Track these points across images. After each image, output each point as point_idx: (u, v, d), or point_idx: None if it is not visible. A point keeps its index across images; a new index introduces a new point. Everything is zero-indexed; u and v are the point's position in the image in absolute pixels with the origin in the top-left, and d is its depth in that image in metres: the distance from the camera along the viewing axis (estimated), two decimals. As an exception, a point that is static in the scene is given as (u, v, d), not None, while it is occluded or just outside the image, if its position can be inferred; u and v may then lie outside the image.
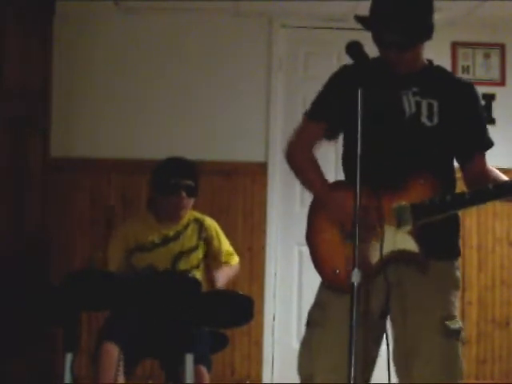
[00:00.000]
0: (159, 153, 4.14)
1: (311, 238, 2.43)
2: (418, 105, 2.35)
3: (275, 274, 4.67)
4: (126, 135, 4.64)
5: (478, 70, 4.83)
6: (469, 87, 2.47)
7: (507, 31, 4.79)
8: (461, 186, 2.45)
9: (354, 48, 2.18)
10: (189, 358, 2.45)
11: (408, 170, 2.28)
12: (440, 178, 2.31)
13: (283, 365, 4.58)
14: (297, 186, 4.63)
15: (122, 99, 4.65)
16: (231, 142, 4.67)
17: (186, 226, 3.50)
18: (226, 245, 3.60)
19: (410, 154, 2.31)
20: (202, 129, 4.67)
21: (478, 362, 4.62)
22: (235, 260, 3.64)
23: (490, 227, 4.71)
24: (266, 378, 4.61)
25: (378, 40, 2.34)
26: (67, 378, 2.41)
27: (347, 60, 2.25)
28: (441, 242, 2.32)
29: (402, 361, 2.32)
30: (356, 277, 2.05)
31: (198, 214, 3.56)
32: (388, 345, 2.28)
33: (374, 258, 2.25)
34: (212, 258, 3.56)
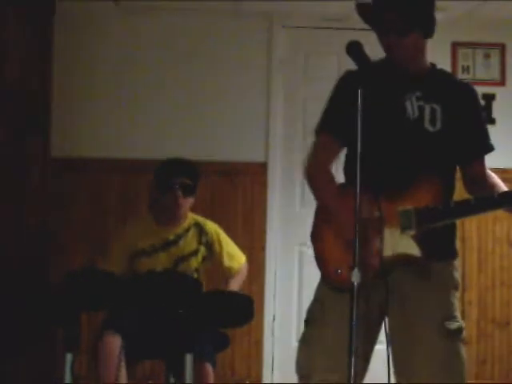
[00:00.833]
0: (159, 153, 4.15)
1: (316, 237, 2.43)
2: (421, 110, 2.35)
3: (275, 274, 4.67)
4: (126, 135, 4.64)
5: (478, 69, 4.83)
6: (470, 91, 2.47)
7: (507, 31, 4.80)
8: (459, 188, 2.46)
9: (354, 48, 2.17)
10: (189, 358, 2.45)
11: (412, 175, 2.28)
12: (444, 182, 2.32)
13: (283, 365, 4.58)
14: (297, 185, 4.68)
15: (122, 99, 4.65)
16: (231, 142, 4.67)
17: (187, 230, 3.49)
18: (228, 248, 3.57)
19: (413, 159, 2.31)
20: (202, 129, 4.67)
21: (478, 362, 4.62)
22: (240, 261, 3.61)
23: (490, 228, 4.71)
24: (266, 378, 4.61)
25: (377, 25, 2.33)
26: (67, 377, 2.41)
27: (347, 60, 2.25)
28: (439, 243, 2.32)
29: (403, 362, 2.31)
30: (356, 277, 2.05)
31: (199, 218, 3.55)
32: (388, 345, 2.28)
33: (377, 259, 2.24)
34: (214, 262, 3.55)
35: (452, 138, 2.37)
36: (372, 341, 2.36)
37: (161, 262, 3.40)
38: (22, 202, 4.04)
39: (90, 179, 4.58)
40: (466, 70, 4.81)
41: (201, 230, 3.51)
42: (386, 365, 2.25)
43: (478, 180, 2.42)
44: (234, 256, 3.59)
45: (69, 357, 2.41)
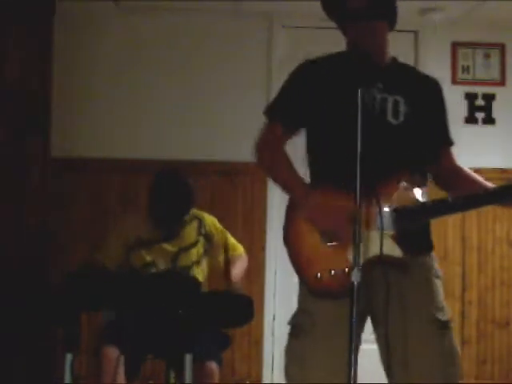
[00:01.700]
0: (159, 153, 4.16)
1: (290, 241, 2.37)
2: (384, 102, 2.29)
3: (275, 274, 4.67)
4: (126, 135, 4.64)
5: (477, 69, 4.83)
6: (434, 84, 2.42)
7: (507, 31, 4.79)
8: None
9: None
10: (188, 358, 2.45)
11: (382, 171, 2.18)
12: (417, 177, 2.26)
13: (283, 365, 4.57)
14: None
15: (122, 99, 4.66)
16: (231, 142, 4.67)
17: (186, 223, 3.51)
18: (228, 239, 3.61)
19: (382, 154, 2.21)
20: (203, 129, 4.67)
21: (478, 362, 4.61)
22: (240, 250, 3.65)
23: (490, 228, 4.71)
24: (266, 378, 4.61)
25: (343, 16, 2.32)
26: (67, 377, 2.41)
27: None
28: (417, 238, 2.26)
29: (396, 360, 2.27)
30: (356, 276, 2.03)
31: (197, 212, 3.57)
32: (388, 345, 2.26)
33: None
34: (213, 254, 3.56)
35: (415, 129, 2.30)
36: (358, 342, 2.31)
37: (160, 253, 3.41)
38: (22, 201, 4.04)
39: (90, 179, 4.59)
40: (465, 70, 4.81)
41: (199, 222, 3.54)
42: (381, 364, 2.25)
43: (447, 173, 2.38)
44: (235, 245, 3.64)
45: (69, 357, 2.42)
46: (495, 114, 4.76)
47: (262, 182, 4.66)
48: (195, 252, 3.47)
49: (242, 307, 2.50)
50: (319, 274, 2.23)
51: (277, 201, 4.70)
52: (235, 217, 4.62)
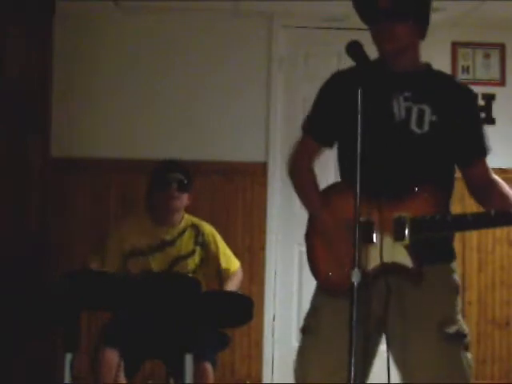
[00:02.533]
0: (159, 153, 4.15)
1: (307, 238, 2.40)
2: (409, 111, 2.28)
3: (275, 274, 4.67)
4: (126, 135, 4.64)
5: (477, 70, 4.83)
6: (466, 92, 2.40)
7: (507, 31, 4.79)
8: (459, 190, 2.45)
9: (353, 48, 2.16)
10: (188, 358, 2.45)
11: (405, 180, 2.22)
12: (440, 187, 2.26)
13: (283, 365, 4.57)
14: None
15: (122, 99, 4.65)
16: (231, 142, 4.67)
17: (183, 231, 3.50)
18: (224, 250, 3.58)
19: (402, 163, 2.24)
20: (202, 129, 4.67)
21: (478, 362, 4.61)
22: (235, 265, 3.61)
23: (490, 227, 4.71)
24: (266, 378, 4.61)
25: (371, 14, 2.29)
26: (67, 378, 2.41)
27: (347, 60, 2.24)
28: (433, 247, 2.26)
29: (403, 368, 2.29)
30: (356, 276, 2.03)
31: (195, 220, 3.56)
32: (388, 345, 2.26)
33: (368, 265, 2.22)
34: (209, 264, 3.54)
35: (442, 139, 2.30)
36: (373, 347, 2.32)
37: (157, 262, 3.41)
38: (22, 201, 4.04)
39: (89, 179, 4.58)
40: (465, 70, 4.81)
41: (197, 230, 3.52)
42: (385, 365, 2.24)
43: (480, 184, 2.36)
44: (230, 258, 3.60)
45: (69, 357, 2.42)
46: (495, 113, 4.76)
47: (261, 182, 4.67)
48: (192, 261, 3.47)
49: (241, 307, 2.50)
50: (330, 273, 2.28)
51: (277, 201, 4.70)
52: (235, 217, 4.62)
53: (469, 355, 2.27)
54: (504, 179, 2.42)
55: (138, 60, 4.67)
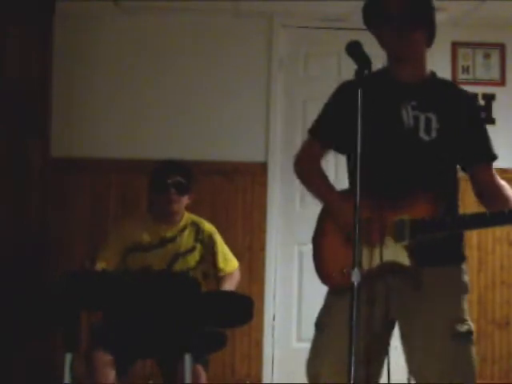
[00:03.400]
0: (159, 153, 4.15)
1: (317, 240, 2.43)
2: (416, 119, 2.34)
3: (275, 274, 4.67)
4: (126, 135, 4.64)
5: (477, 70, 4.83)
6: (469, 100, 2.46)
7: (507, 31, 4.80)
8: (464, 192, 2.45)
9: (354, 48, 2.17)
10: (187, 359, 2.45)
11: (409, 184, 2.28)
12: (443, 192, 2.30)
13: (283, 365, 4.58)
14: (297, 186, 4.67)
15: (122, 99, 4.66)
16: (231, 142, 4.67)
17: (184, 229, 3.51)
18: (223, 249, 3.59)
19: (410, 169, 2.31)
20: (202, 129, 4.67)
21: (478, 362, 4.61)
22: (233, 265, 3.62)
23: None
24: (266, 378, 4.61)
25: (381, 21, 2.32)
26: (67, 378, 2.42)
27: (347, 60, 2.24)
28: (442, 247, 2.30)
29: (414, 366, 2.31)
30: (356, 276, 2.04)
31: (195, 218, 3.57)
32: (388, 345, 2.27)
33: (367, 264, 2.23)
34: (209, 262, 3.55)
35: (449, 146, 2.35)
36: (382, 345, 2.33)
37: (157, 258, 3.41)
38: (22, 201, 4.04)
39: (90, 179, 4.59)
40: (465, 70, 4.81)
41: (197, 228, 3.53)
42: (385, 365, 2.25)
43: (486, 189, 2.39)
44: (229, 258, 3.61)
45: (69, 357, 2.42)
46: (495, 113, 4.76)
47: (261, 182, 4.67)
48: (192, 258, 3.47)
49: (241, 307, 2.50)
50: (334, 273, 2.31)
51: (277, 201, 4.70)
52: (235, 217, 4.62)
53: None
54: (504, 179, 2.43)
55: (137, 60, 4.67)
